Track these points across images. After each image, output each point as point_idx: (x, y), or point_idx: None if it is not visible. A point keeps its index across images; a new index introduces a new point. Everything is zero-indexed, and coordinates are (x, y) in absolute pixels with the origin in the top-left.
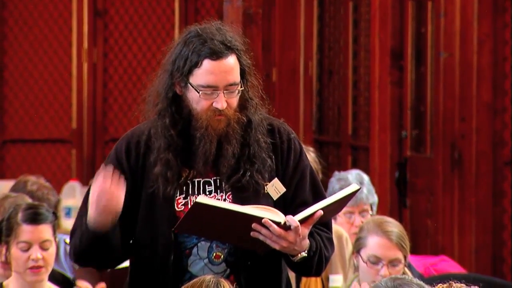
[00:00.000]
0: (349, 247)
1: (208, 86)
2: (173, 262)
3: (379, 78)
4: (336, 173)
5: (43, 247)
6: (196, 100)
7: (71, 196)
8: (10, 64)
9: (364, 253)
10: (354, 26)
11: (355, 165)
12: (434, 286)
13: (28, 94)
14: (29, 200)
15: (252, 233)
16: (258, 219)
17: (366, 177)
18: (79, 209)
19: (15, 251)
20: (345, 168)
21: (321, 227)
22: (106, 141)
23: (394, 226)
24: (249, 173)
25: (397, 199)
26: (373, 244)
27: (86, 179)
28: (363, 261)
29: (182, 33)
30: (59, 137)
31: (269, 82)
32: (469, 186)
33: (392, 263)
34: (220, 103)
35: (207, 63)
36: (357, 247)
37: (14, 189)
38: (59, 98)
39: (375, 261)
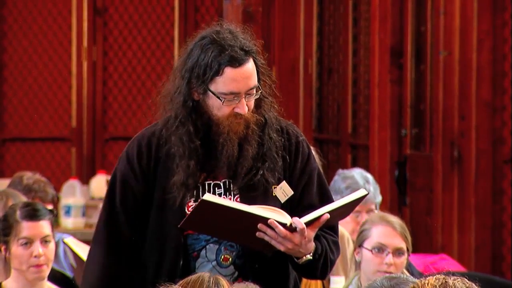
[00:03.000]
0: (350, 248)
1: (231, 93)
2: (181, 264)
3: (379, 76)
4: (340, 171)
5: (44, 242)
6: (218, 107)
7: (70, 194)
8: (10, 62)
9: (369, 243)
10: (353, 24)
11: (354, 164)
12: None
13: (27, 93)
14: (22, 197)
15: (257, 234)
16: (264, 220)
17: (370, 176)
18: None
19: (16, 248)
20: (344, 167)
21: (327, 230)
22: (105, 139)
23: (396, 218)
24: (261, 172)
25: (397, 197)
26: (378, 233)
27: (85, 177)
28: (368, 250)
29: (193, 37)
30: (58, 136)
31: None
32: (468, 184)
33: (397, 251)
34: (243, 108)
35: (229, 71)
36: (360, 240)
37: (10, 185)
38: (59, 96)
39: (381, 248)
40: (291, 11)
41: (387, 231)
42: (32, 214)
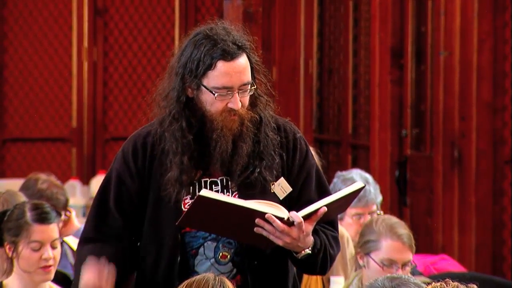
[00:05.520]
0: (350, 248)
1: (224, 88)
2: (180, 262)
3: (379, 76)
4: (339, 173)
5: (53, 246)
6: (211, 102)
7: (71, 194)
8: (10, 63)
9: (377, 256)
10: (354, 24)
11: (355, 164)
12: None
13: (28, 93)
14: (22, 197)
15: (255, 229)
16: (262, 214)
17: (369, 176)
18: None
19: (26, 251)
20: (345, 167)
21: (327, 226)
22: (106, 139)
23: (403, 227)
24: (258, 170)
25: (397, 198)
26: (387, 248)
27: (86, 177)
28: (377, 264)
29: (188, 35)
30: (59, 136)
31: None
32: (469, 185)
33: (405, 264)
34: (236, 103)
35: (221, 65)
36: (367, 249)
37: (24, 187)
38: (59, 96)
39: (390, 264)
40: (292, 12)
41: (397, 246)
42: (44, 217)
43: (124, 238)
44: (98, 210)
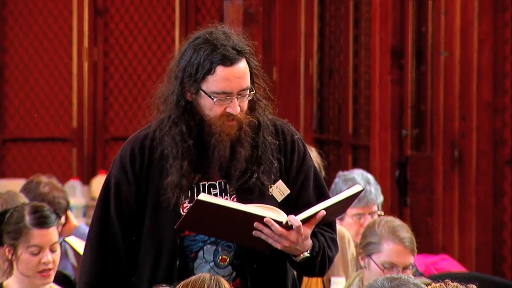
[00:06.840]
0: (351, 248)
1: (223, 93)
2: (179, 266)
3: (380, 76)
4: (340, 173)
5: (52, 249)
6: (209, 107)
7: (71, 195)
8: (11, 63)
9: (378, 258)
10: (354, 25)
11: (355, 164)
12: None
13: (28, 93)
14: (22, 198)
15: (254, 232)
16: (260, 218)
17: (371, 177)
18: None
19: (25, 255)
20: (345, 167)
21: (325, 228)
22: (106, 139)
23: (405, 230)
24: (255, 175)
25: (398, 198)
26: (389, 251)
27: (86, 177)
28: (377, 266)
29: (187, 38)
30: (59, 136)
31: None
32: (469, 185)
33: (406, 268)
34: (235, 108)
35: (220, 70)
36: (369, 251)
37: (25, 189)
38: (60, 97)
39: (391, 267)
40: (292, 12)
41: (399, 250)
42: (43, 221)
43: (122, 249)
44: (101, 218)
